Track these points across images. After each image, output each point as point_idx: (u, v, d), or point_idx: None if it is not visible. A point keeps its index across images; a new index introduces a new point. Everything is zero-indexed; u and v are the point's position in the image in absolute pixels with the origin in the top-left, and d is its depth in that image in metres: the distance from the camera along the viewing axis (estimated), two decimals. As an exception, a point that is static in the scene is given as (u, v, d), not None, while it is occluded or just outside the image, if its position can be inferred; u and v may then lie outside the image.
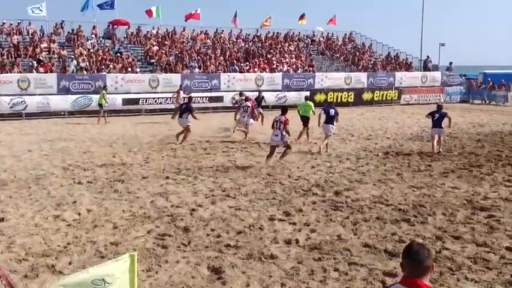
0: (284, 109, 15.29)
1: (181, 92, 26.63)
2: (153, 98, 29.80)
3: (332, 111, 17.41)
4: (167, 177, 13.08)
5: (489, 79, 41.93)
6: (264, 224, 9.35)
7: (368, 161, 15.38)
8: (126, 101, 28.97)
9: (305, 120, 19.34)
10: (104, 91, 26.11)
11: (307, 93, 27.03)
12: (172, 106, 26.68)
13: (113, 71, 30.23)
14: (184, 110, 19.06)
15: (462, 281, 6.88)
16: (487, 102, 38.91)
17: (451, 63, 43.29)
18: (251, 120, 20.52)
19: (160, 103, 29.87)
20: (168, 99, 29.67)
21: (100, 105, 25.80)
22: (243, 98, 22.16)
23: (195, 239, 8.54)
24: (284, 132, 14.59)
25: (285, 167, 14.43)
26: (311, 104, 19.98)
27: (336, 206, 10.44)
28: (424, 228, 9.05)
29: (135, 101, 29.31)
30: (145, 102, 29.61)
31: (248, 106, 20.41)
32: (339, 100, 35.20)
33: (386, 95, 37.25)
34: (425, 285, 3.28)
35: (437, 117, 16.84)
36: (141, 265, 7.24)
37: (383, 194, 11.38)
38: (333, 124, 17.36)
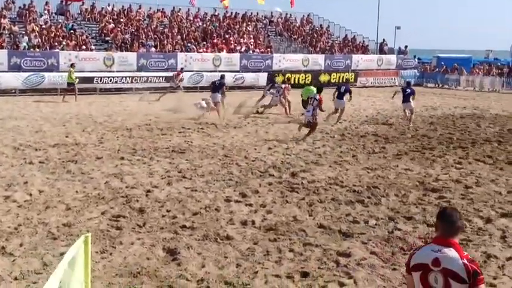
0: (319, 89, 17.31)
1: (181, 75, 27.64)
2: (108, 77, 29.17)
3: (343, 88, 20.29)
4: (122, 158, 12.89)
5: (442, 63, 42.80)
6: (220, 205, 9.34)
7: (324, 143, 15.52)
8: (79, 80, 28.25)
9: (306, 104, 19.37)
10: (71, 68, 25.49)
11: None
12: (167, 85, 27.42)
13: (66, 48, 29.41)
14: (219, 86, 20.66)
15: (413, 261, 7.04)
16: (440, 85, 39.75)
17: (406, 46, 43.98)
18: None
19: (116, 82, 29.31)
20: (124, 78, 29.20)
21: (69, 83, 25.31)
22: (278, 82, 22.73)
23: (150, 220, 8.46)
24: (317, 110, 16.21)
25: (242, 148, 14.43)
26: (313, 88, 20.12)
27: (292, 188, 10.51)
28: (378, 209, 9.21)
29: (89, 80, 28.60)
30: (100, 81, 28.95)
31: (281, 87, 21.73)
32: (296, 82, 35.26)
33: (343, 77, 37.54)
34: (456, 243, 3.60)
35: (408, 93, 19.54)
36: (95, 247, 7.13)
37: (338, 176, 11.52)
38: (342, 99, 19.95)
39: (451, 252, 3.55)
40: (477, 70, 40.65)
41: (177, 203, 9.39)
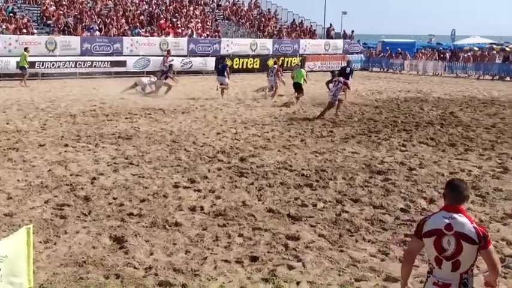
0: (342, 71, 20.46)
1: (169, 57, 28.64)
2: (51, 62, 28.27)
3: (348, 69, 21.64)
4: (66, 145, 12.55)
5: (387, 48, 43.59)
6: (168, 191, 9.23)
7: (273, 127, 15.56)
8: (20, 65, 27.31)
9: (297, 86, 20.44)
10: (25, 52, 24.58)
11: (298, 61, 28.80)
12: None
13: (6, 32, 28.29)
14: (223, 69, 22.45)
15: (360, 242, 7.16)
16: (385, 70, 40.50)
17: (352, 31, 44.50)
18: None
19: (59, 67, 28.44)
20: (67, 62, 28.44)
21: (21, 67, 24.60)
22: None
23: (96, 208, 8.28)
24: (340, 91, 17.64)
25: (190, 134, 14.30)
26: (304, 71, 21.30)
27: (241, 173, 10.49)
28: (326, 192, 9.31)
29: (31, 64, 27.60)
30: (42, 65, 27.99)
31: (274, 68, 22.13)
32: (244, 66, 35.23)
33: (291, 61, 37.68)
34: (463, 210, 3.96)
35: (348, 71, 21.27)
36: (38, 237, 6.94)
37: (287, 160, 11.57)
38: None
39: (461, 217, 3.89)
40: (420, 55, 41.62)
41: (124, 190, 9.22)
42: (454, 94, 24.91)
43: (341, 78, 18.07)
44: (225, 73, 22.35)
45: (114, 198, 8.77)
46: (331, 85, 18.04)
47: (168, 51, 30.67)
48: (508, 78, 33.41)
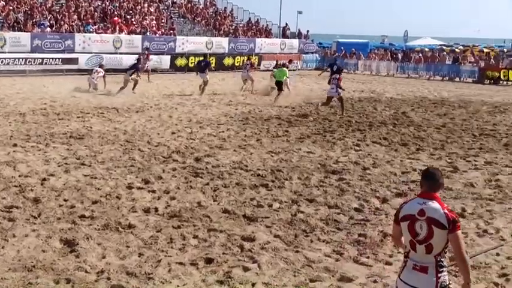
0: (338, 69, 21.25)
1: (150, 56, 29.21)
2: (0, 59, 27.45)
3: (335, 67, 22.49)
4: (15, 145, 12.17)
5: (342, 48, 44.11)
6: (121, 192, 9.06)
7: (228, 127, 15.51)
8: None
9: (279, 84, 21.43)
10: None
11: (283, 61, 28.32)
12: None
13: (-49, 27, 27.31)
14: (204, 66, 23.18)
15: (315, 242, 7.19)
16: (342, 69, 40.91)
17: (307, 31, 44.86)
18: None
19: (8, 64, 27.60)
20: (17, 59, 27.67)
21: None
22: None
23: (46, 210, 8.04)
24: (339, 87, 18.37)
25: (144, 133, 14.10)
26: (286, 70, 22.44)
27: (196, 173, 10.40)
28: (281, 193, 9.33)
29: (-22, 61, 26.84)
30: (-10, 62, 27.17)
31: (248, 64, 23.39)
32: (200, 65, 34.99)
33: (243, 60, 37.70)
34: (438, 197, 4.17)
35: (336, 69, 21.84)
36: (-15, 241, 6.68)
37: (243, 160, 11.54)
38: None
39: (434, 204, 4.11)
40: (374, 55, 42.29)
41: (75, 192, 8.99)
42: (406, 94, 25.42)
43: (337, 75, 19.22)
44: (207, 70, 23.35)
45: (65, 200, 8.55)
46: (331, 81, 19.29)
47: (147, 48, 31.04)
48: (457, 79, 34.33)
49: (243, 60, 28.95)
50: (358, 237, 7.35)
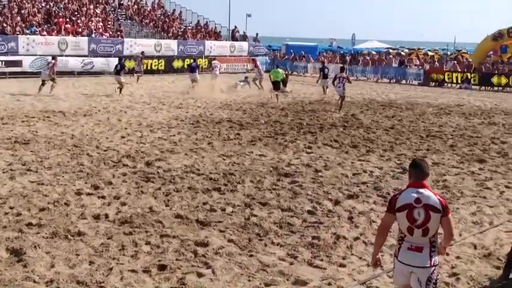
0: (342, 68, 23.09)
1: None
2: None
3: (326, 70, 25.65)
4: (-44, 151, 11.68)
5: (291, 50, 44.45)
6: (70, 199, 8.81)
7: (179, 130, 15.35)
8: None
9: (275, 84, 23.08)
10: None
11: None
12: None
13: None
14: (196, 66, 26.34)
15: (269, 246, 7.17)
16: (290, 72, 41.23)
17: (257, 34, 45.03)
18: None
19: None
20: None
21: None
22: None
23: (-10, 219, 7.72)
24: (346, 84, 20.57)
25: (93, 137, 13.78)
26: (282, 71, 24.87)
27: (147, 177, 10.23)
28: (234, 196, 9.28)
29: None
30: None
31: (344, 77, 21.57)
32: (149, 68, 34.59)
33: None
34: (426, 185, 4.61)
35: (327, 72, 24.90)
36: None
37: (194, 164, 11.43)
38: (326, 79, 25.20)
39: (426, 192, 4.56)
40: (322, 58, 42.79)
41: (22, 199, 8.69)
42: (354, 96, 25.80)
43: (343, 74, 21.29)
44: (197, 71, 26.04)
45: (11, 208, 8.24)
46: (336, 81, 21.18)
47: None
48: (403, 82, 35.15)
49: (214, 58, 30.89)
50: (311, 239, 7.38)
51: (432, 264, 4.55)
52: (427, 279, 4.55)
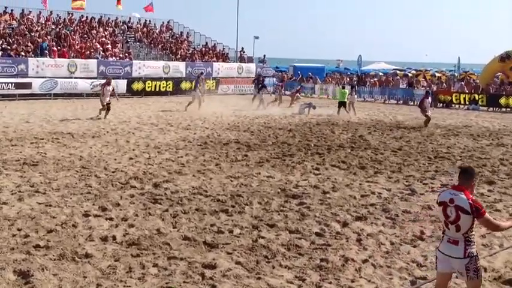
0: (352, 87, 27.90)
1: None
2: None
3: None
4: (-35, 172, 11.73)
5: (299, 72, 44.67)
6: (78, 220, 8.81)
7: (187, 152, 15.37)
8: None
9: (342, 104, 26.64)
10: None
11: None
12: None
13: None
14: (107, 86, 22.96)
15: (277, 268, 7.12)
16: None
17: (264, 55, 45.31)
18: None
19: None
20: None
21: None
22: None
23: (-2, 241, 7.73)
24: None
25: (101, 159, 13.83)
26: (346, 91, 27.30)
27: (154, 199, 10.22)
28: (242, 218, 9.25)
29: None
30: None
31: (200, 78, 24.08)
32: (157, 89, 34.87)
33: (205, 85, 37.68)
34: (465, 190, 5.28)
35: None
36: None
37: (202, 185, 11.43)
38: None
39: (461, 195, 5.24)
40: (330, 79, 42.97)
41: (30, 220, 8.69)
42: (362, 118, 25.82)
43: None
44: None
45: (19, 230, 8.24)
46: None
47: (202, 73, 32.61)
48: (411, 103, 35.14)
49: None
50: (320, 262, 7.32)
51: (467, 255, 5.23)
52: (466, 269, 5.24)
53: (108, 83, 22.95)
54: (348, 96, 27.11)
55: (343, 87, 28.47)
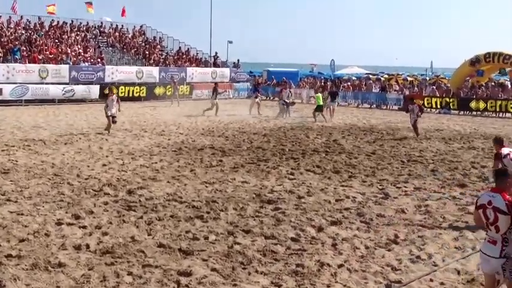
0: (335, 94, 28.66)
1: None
2: None
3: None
4: None
5: (273, 76, 44.78)
6: (50, 229, 8.67)
7: (161, 158, 15.27)
8: None
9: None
10: None
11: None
12: None
13: None
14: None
15: (253, 275, 7.11)
16: (272, 98, 41.46)
17: (238, 60, 45.38)
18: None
19: None
20: None
21: None
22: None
23: (-32, 251, 7.56)
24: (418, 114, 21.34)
25: (74, 166, 13.65)
26: (320, 95, 27.10)
27: (129, 206, 10.12)
28: (217, 224, 9.21)
29: None
30: None
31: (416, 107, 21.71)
32: (130, 95, 34.59)
33: (179, 89, 37.55)
34: (503, 191, 5.56)
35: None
36: None
37: (177, 191, 11.36)
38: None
39: (498, 196, 5.53)
40: (304, 83, 43.15)
41: (1, 230, 8.54)
42: (336, 122, 25.99)
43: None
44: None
45: (-11, 239, 8.09)
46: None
47: (216, 83, 31.21)
48: (384, 107, 35.51)
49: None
50: (295, 267, 7.33)
51: (503, 255, 5.47)
52: (502, 269, 5.47)
53: (111, 92, 20.83)
54: (329, 103, 27.51)
55: (319, 92, 28.87)
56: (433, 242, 8.54)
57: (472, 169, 14.71)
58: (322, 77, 49.59)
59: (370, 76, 48.86)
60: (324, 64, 67.52)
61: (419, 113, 21.46)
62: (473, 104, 32.47)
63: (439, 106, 33.47)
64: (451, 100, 33.37)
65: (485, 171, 14.39)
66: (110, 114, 19.73)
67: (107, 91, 19.03)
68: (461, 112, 32.81)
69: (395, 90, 37.83)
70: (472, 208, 10.59)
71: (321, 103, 26.79)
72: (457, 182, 12.91)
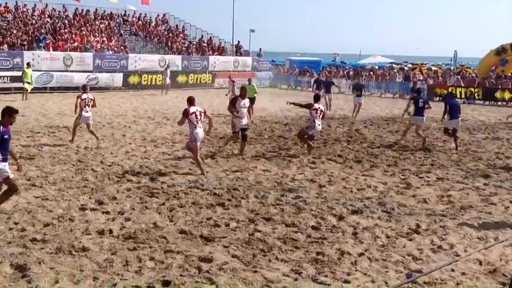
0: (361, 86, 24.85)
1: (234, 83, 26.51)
2: None
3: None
4: (-39, 166, 11.69)
5: (295, 65, 44.65)
6: (74, 214, 8.82)
7: (183, 145, 15.33)
8: None
9: (251, 100, 20.67)
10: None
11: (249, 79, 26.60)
12: None
13: None
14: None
15: (273, 262, 7.15)
16: (293, 87, 41.41)
17: (260, 49, 45.27)
18: None
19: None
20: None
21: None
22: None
23: (-5, 235, 7.73)
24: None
25: (97, 153, 13.82)
26: (255, 86, 23.33)
27: (151, 193, 10.23)
28: (238, 212, 9.27)
29: None
30: None
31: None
32: (153, 83, 34.78)
33: (201, 78, 37.68)
34: None
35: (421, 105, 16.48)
36: None
37: (198, 179, 11.44)
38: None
39: None
40: (326, 72, 42.92)
41: (26, 214, 8.70)
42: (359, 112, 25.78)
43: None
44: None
45: (16, 223, 8.25)
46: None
47: (230, 76, 29.29)
48: (407, 97, 35.11)
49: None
50: (316, 255, 7.35)
51: None
52: None
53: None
54: (324, 93, 24.39)
55: (250, 81, 23.78)
56: (455, 232, 8.48)
57: (496, 160, 14.54)
58: (345, 66, 49.30)
59: (394, 65, 48.37)
60: (347, 53, 67.06)
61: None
62: (498, 94, 32.03)
63: (463, 96, 33.05)
64: (475, 90, 32.93)
65: (509, 161, 14.21)
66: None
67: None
68: (486, 102, 32.38)
69: (419, 80, 37.40)
70: (495, 198, 10.51)
71: (252, 95, 21.81)
72: (481, 173, 12.77)
